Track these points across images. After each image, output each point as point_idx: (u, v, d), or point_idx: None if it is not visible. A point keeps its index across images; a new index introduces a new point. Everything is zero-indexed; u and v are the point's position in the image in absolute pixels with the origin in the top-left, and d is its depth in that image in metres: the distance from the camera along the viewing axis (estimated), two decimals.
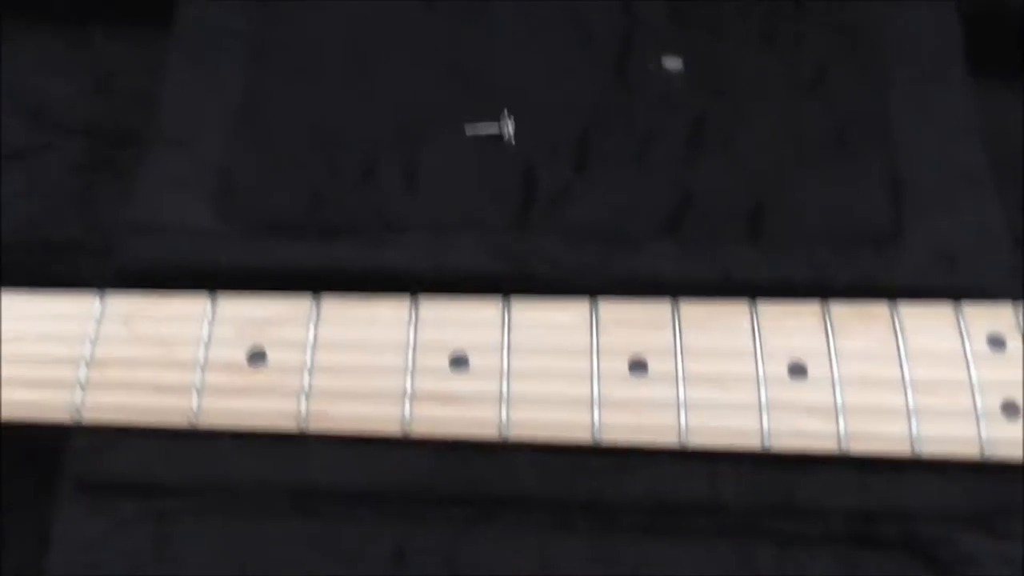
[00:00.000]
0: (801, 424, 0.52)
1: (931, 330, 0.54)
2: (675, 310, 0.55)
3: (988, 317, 0.54)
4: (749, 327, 0.54)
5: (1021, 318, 0.54)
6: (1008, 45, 0.73)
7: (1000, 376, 0.53)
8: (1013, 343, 0.54)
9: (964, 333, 0.54)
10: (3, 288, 0.55)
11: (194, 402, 0.52)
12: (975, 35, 0.69)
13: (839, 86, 0.66)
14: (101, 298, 0.54)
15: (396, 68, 0.67)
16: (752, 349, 0.53)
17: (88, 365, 0.53)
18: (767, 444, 0.52)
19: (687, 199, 0.62)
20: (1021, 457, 0.52)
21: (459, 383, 0.53)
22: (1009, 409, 0.52)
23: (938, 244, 0.60)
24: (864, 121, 0.65)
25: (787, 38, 0.68)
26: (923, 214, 0.61)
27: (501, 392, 0.52)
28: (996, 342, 0.54)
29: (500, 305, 0.55)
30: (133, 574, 0.52)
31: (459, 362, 0.53)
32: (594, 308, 0.55)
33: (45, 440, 0.55)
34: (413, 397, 0.53)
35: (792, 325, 0.54)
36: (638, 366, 0.53)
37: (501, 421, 0.52)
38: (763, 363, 0.53)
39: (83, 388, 0.52)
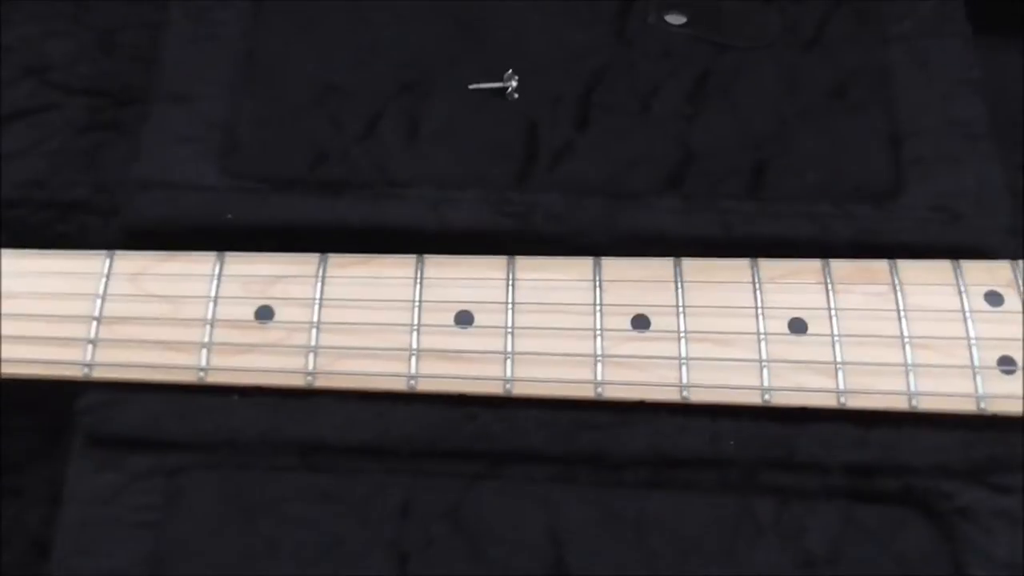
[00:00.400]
0: (801, 380, 0.52)
1: (930, 287, 0.54)
2: (677, 268, 0.54)
3: (986, 275, 0.54)
4: (750, 284, 0.54)
5: (1019, 276, 0.54)
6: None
7: (997, 332, 0.53)
8: (1011, 300, 0.54)
9: (962, 290, 0.54)
10: (12, 249, 0.54)
11: (203, 359, 0.52)
12: None
13: (839, 41, 0.65)
14: (109, 256, 0.54)
15: (397, 21, 0.66)
16: (753, 306, 0.53)
17: (98, 322, 0.52)
18: (767, 399, 0.52)
19: (689, 154, 0.61)
20: (1017, 412, 0.52)
21: (464, 340, 0.53)
22: (1006, 364, 0.52)
23: (938, 201, 0.59)
24: (864, 76, 0.64)
25: None
26: (923, 170, 0.60)
27: (505, 348, 0.52)
28: (994, 299, 0.54)
29: (504, 264, 0.54)
30: (145, 527, 0.52)
31: (464, 319, 0.53)
32: (597, 267, 0.54)
33: (54, 395, 0.54)
34: (419, 354, 0.52)
35: (793, 283, 0.54)
36: (641, 322, 0.53)
37: (506, 377, 0.52)
38: (764, 320, 0.53)
39: (93, 345, 0.52)
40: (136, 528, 0.51)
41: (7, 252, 0.54)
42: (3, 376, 0.52)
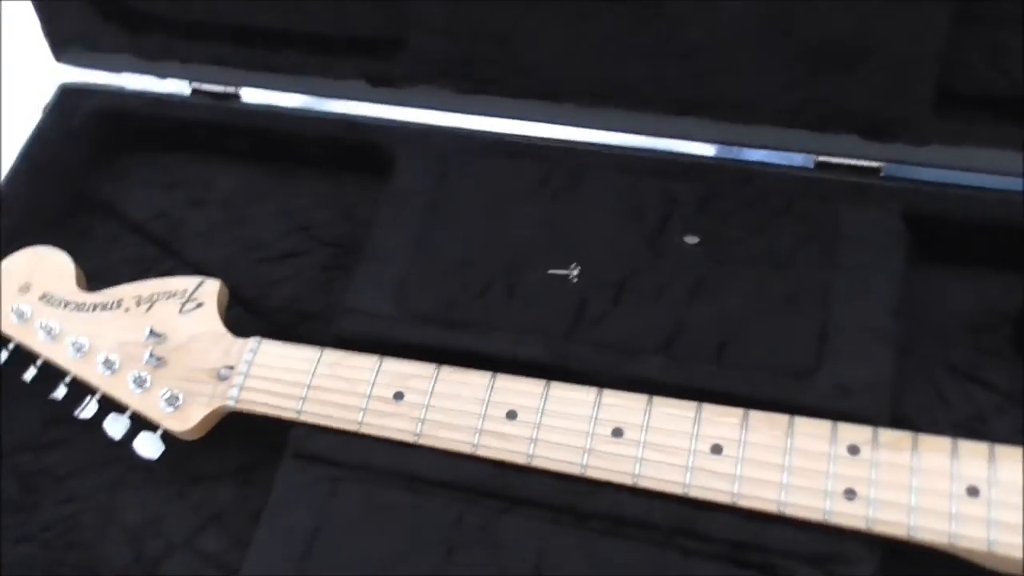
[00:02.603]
0: (710, 483, 0.68)
1: (812, 437, 0.68)
2: (649, 402, 0.76)
3: (854, 432, 0.68)
4: (692, 418, 0.74)
5: (870, 436, 0.71)
6: (946, 242, 0.88)
7: (849, 472, 0.66)
8: (866, 452, 0.69)
9: (833, 441, 0.71)
10: (268, 339, 0.83)
11: (360, 417, 0.77)
12: (923, 233, 0.86)
13: (802, 265, 0.80)
14: (320, 351, 0.78)
15: (515, 230, 0.83)
16: (691, 432, 0.73)
17: (308, 388, 0.78)
18: (687, 492, 0.69)
19: (679, 330, 0.78)
20: (852, 526, 0.66)
21: (509, 427, 0.72)
22: (849, 494, 0.67)
23: (840, 380, 0.76)
24: (813, 291, 0.77)
25: (775, 229, 0.86)
26: (836, 360, 0.76)
27: (532, 437, 0.75)
28: (853, 450, 0.69)
29: (543, 385, 0.74)
30: (314, 508, 0.73)
31: (512, 415, 0.74)
32: (599, 395, 0.76)
33: (275, 425, 0.81)
34: (481, 431, 0.74)
35: (720, 420, 0.73)
36: (617, 433, 0.72)
37: (529, 453, 0.74)
38: (695, 442, 0.72)
39: (304, 400, 0.77)
40: (310, 507, 0.73)
41: (266, 341, 0.83)
42: (250, 411, 0.82)
